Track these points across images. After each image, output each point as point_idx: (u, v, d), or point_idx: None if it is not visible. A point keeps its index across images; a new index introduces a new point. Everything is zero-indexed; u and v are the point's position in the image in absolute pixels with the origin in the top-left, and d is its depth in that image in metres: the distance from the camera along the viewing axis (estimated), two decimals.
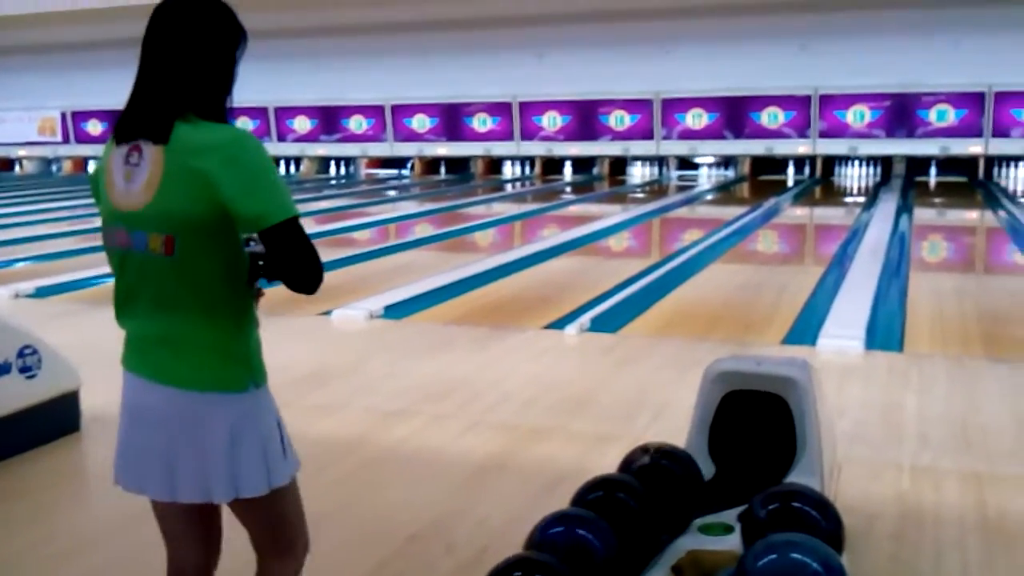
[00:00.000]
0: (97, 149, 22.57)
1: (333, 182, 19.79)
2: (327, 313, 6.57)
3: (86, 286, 7.71)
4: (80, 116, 22.37)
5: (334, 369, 5.26)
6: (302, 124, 20.55)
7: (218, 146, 1.74)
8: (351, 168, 21.06)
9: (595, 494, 2.53)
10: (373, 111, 19.74)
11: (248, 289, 1.89)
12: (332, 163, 21.25)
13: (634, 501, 2.48)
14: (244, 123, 20.99)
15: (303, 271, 1.77)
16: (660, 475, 2.67)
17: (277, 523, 1.98)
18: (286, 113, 20.58)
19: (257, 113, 20.80)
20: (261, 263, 1.88)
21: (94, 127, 22.29)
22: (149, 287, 1.82)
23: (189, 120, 1.78)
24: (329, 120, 20.27)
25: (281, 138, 20.75)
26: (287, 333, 6.21)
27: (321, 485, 3.67)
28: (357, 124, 19.98)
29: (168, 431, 1.83)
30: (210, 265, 1.80)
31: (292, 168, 21.57)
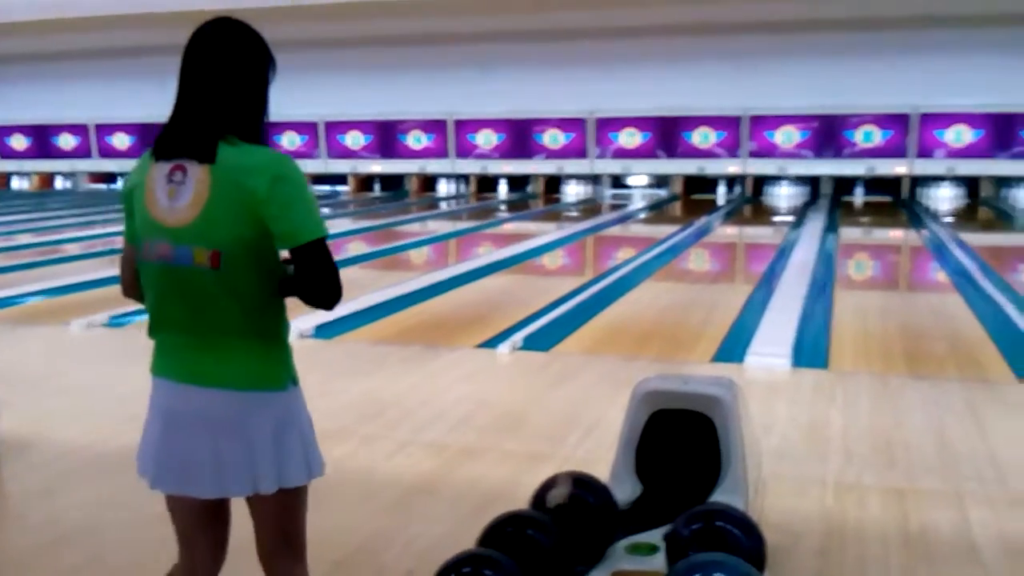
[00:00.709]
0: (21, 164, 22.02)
1: None
2: None
3: (5, 305, 7.50)
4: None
5: None
6: None
7: (264, 167, 1.87)
8: None
9: (503, 531, 2.52)
10: (307, 128, 19.59)
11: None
12: None
13: (543, 537, 2.47)
14: None
15: (325, 288, 1.90)
16: (574, 506, 2.66)
17: (297, 521, 2.10)
18: None
19: None
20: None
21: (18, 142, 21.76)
22: (190, 298, 1.93)
23: (230, 141, 1.90)
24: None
25: None
26: None
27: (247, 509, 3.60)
28: (290, 141, 19.80)
29: (212, 431, 1.93)
30: (253, 277, 1.92)
31: None
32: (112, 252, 11.59)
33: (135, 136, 20.86)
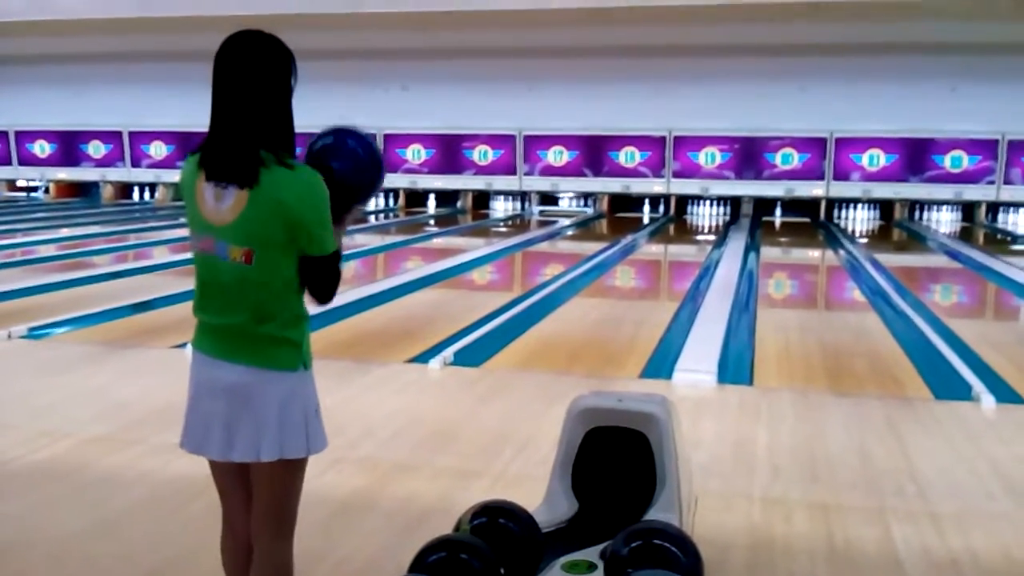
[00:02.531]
0: None
1: None
2: (182, 346, 6.33)
3: None
4: None
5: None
6: (158, 150, 19.88)
7: (296, 183, 2.13)
8: None
9: (436, 556, 2.51)
10: None
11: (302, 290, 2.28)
12: None
13: (476, 561, 2.47)
14: (96, 147, 20.18)
15: (328, 290, 2.25)
16: (498, 534, 2.66)
17: (290, 495, 2.32)
18: (141, 138, 19.87)
19: (110, 137, 20.01)
20: None
21: None
22: (225, 287, 2.22)
23: (268, 160, 2.13)
24: (187, 146, 19.66)
25: (135, 163, 20.01)
26: (142, 365, 5.96)
27: (176, 524, 3.52)
28: None
29: (230, 399, 2.21)
30: (278, 273, 2.19)
31: (147, 195, 20.81)
32: (31, 262, 11.22)
33: (69, 141, 20.30)
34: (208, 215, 2.20)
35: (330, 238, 2.20)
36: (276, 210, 2.12)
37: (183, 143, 19.68)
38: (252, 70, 2.13)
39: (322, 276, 2.23)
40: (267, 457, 2.21)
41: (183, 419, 2.34)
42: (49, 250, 12.34)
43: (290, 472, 2.28)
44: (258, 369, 2.21)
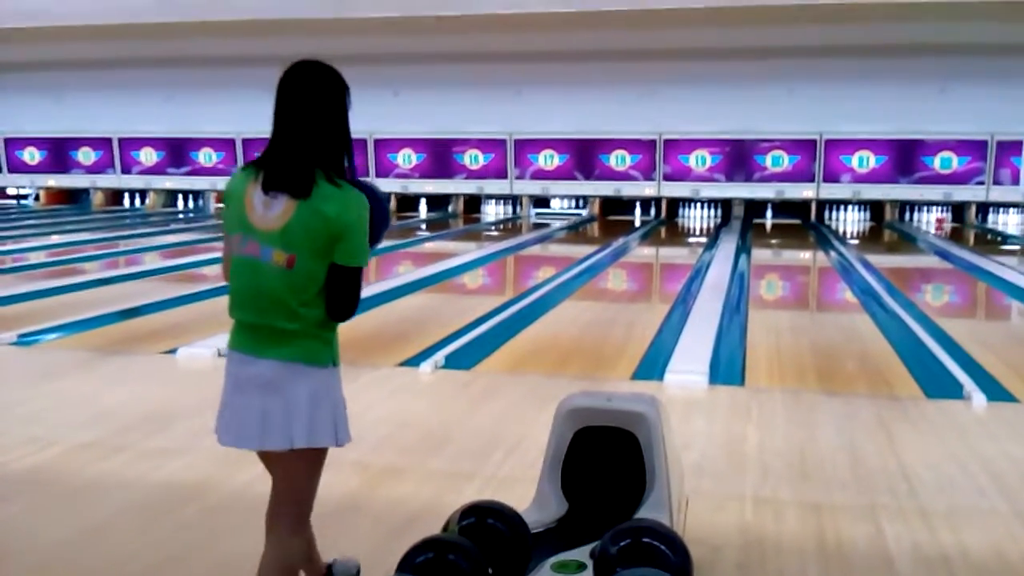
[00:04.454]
0: None
1: (181, 216, 19.15)
2: (171, 352, 6.31)
3: None
4: None
5: (178, 410, 5.03)
6: (148, 156, 19.84)
7: (341, 199, 2.36)
8: (200, 202, 20.44)
9: (423, 556, 2.50)
10: (223, 144, 19.26)
11: None
12: (180, 197, 20.56)
13: (464, 562, 2.46)
14: (86, 154, 20.13)
15: (348, 305, 2.43)
16: (486, 535, 2.66)
17: (310, 484, 2.54)
18: (131, 144, 19.83)
19: (100, 144, 19.96)
20: None
21: None
22: (265, 289, 2.39)
23: (319, 178, 2.36)
24: (177, 153, 19.65)
25: (126, 170, 19.96)
26: (126, 373, 5.93)
27: (162, 531, 3.50)
28: (207, 157, 19.44)
29: (262, 392, 2.39)
30: (316, 278, 2.39)
31: (137, 201, 20.75)
32: (21, 269, 11.18)
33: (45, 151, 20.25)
34: (256, 221, 2.40)
35: (362, 252, 2.41)
36: (319, 221, 2.34)
37: (173, 149, 19.66)
38: (312, 97, 2.40)
39: (345, 288, 2.41)
40: (299, 445, 2.40)
41: (216, 416, 2.50)
42: (39, 257, 12.30)
43: (313, 464, 2.50)
44: (293, 364, 2.40)
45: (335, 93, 2.45)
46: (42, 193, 21.05)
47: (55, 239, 14.47)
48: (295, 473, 2.50)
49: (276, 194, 2.37)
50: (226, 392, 2.48)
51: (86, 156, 20.19)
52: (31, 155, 20.57)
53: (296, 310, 2.38)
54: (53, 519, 3.61)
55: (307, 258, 2.37)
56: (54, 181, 20.63)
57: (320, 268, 2.38)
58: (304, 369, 2.41)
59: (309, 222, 2.34)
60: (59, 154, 20.34)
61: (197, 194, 20.35)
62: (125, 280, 10.11)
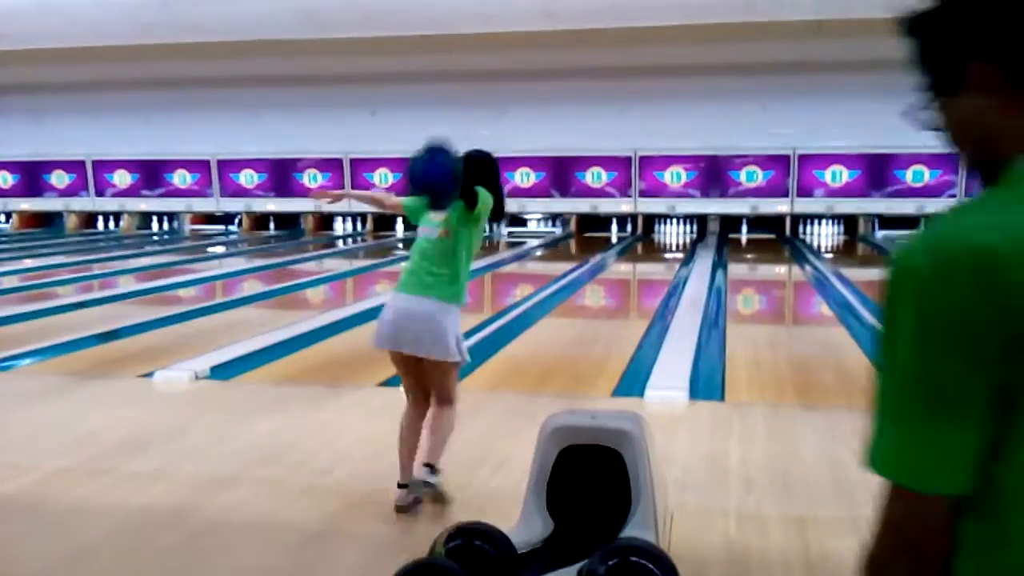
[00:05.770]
0: None
1: (156, 238, 19.03)
2: (148, 375, 6.26)
3: None
4: None
5: (155, 434, 5.00)
6: (122, 178, 19.71)
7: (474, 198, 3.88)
8: (175, 224, 20.33)
9: None
10: (198, 165, 19.18)
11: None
12: (155, 219, 20.43)
13: None
14: (59, 177, 19.98)
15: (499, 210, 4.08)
16: (473, 556, 2.65)
17: (451, 382, 3.95)
18: (105, 167, 19.69)
19: (74, 167, 19.81)
20: None
21: None
22: (428, 252, 3.90)
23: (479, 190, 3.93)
24: (151, 175, 19.54)
25: (99, 193, 19.81)
26: (103, 397, 5.88)
27: (142, 558, 3.47)
28: (181, 179, 19.35)
29: (418, 320, 3.80)
30: (462, 245, 3.88)
31: (111, 224, 20.60)
32: (8, 291, 11.06)
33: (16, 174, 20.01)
34: (431, 216, 3.95)
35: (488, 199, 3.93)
36: (461, 210, 3.86)
37: (147, 172, 19.54)
38: (481, 172, 4.07)
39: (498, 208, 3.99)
40: (439, 356, 3.80)
41: (376, 328, 3.90)
42: (12, 281, 12.18)
43: (452, 367, 3.89)
44: (439, 301, 3.79)
45: (492, 168, 4.26)
46: (15, 217, 20.85)
47: (28, 263, 14.34)
48: (444, 372, 3.89)
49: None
50: (387, 316, 3.89)
51: (59, 179, 20.03)
52: (3, 179, 20.39)
53: (445, 267, 3.89)
54: (35, 545, 3.57)
55: (457, 232, 3.91)
56: (27, 204, 20.46)
57: (466, 238, 3.94)
58: (447, 306, 3.83)
59: (455, 211, 3.93)
60: (32, 177, 20.17)
61: (172, 216, 20.22)
62: (100, 303, 10.02)
